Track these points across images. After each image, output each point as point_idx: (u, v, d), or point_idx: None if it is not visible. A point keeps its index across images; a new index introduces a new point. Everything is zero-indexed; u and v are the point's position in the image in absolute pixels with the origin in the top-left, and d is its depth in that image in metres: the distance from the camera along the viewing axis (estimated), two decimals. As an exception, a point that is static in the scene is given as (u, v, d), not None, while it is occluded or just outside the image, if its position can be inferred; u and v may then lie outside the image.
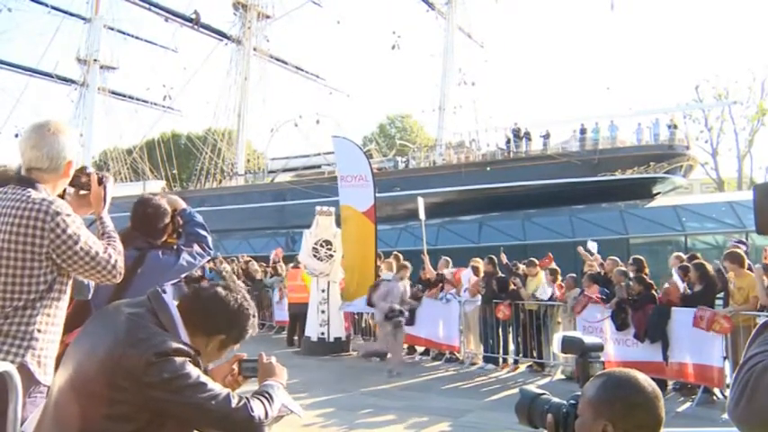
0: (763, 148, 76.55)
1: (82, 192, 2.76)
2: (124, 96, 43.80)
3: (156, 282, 2.19)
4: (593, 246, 11.91)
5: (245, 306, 2.15)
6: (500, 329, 10.82)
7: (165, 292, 2.08)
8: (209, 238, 3.43)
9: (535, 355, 10.48)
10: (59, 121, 2.62)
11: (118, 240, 2.65)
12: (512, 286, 10.63)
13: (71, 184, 2.70)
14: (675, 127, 27.10)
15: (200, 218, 3.46)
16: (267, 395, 2.08)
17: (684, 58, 77.92)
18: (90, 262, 2.43)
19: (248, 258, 17.55)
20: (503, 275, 10.99)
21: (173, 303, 2.05)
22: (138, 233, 3.22)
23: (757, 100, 41.68)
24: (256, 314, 2.22)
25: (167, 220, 3.32)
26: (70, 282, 2.53)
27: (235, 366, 2.33)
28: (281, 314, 14.80)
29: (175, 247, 3.28)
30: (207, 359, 2.15)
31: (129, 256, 2.88)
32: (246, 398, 2.00)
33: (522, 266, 11.30)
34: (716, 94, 42.79)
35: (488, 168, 27.61)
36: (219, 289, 2.14)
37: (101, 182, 2.74)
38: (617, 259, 10.24)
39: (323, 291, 12.30)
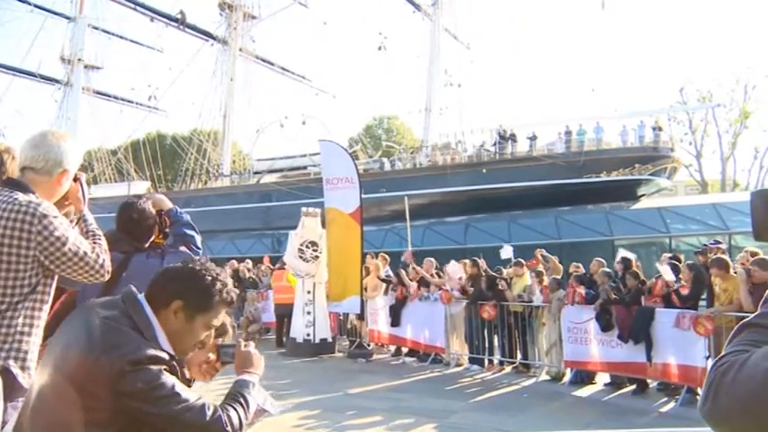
0: (746, 151, 77.11)
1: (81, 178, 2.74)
2: (109, 96, 43.48)
3: (141, 285, 2.16)
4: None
5: (217, 274, 2.07)
6: (485, 331, 10.84)
7: (138, 293, 2.02)
8: (198, 238, 3.38)
9: (520, 356, 10.51)
10: (67, 133, 2.66)
11: (102, 238, 2.62)
12: (498, 287, 10.66)
13: None
14: (660, 129, 27.29)
15: (187, 217, 3.41)
16: (243, 400, 2.04)
17: (669, 61, 78.54)
18: (79, 263, 2.42)
19: (236, 267, 17.21)
20: (493, 274, 11.02)
21: (146, 304, 2.00)
22: (123, 236, 3.19)
23: (740, 103, 42.08)
24: (223, 279, 2.09)
25: (153, 222, 3.28)
26: (53, 283, 2.51)
27: (212, 354, 2.30)
28: (269, 315, 14.76)
29: (161, 248, 3.25)
30: (190, 339, 2.07)
31: (115, 259, 2.86)
32: (222, 407, 1.96)
33: (505, 271, 11.34)
34: (700, 96, 43.15)
35: (484, 170, 27.64)
36: (189, 263, 2.09)
37: (75, 179, 2.69)
38: (602, 261, 10.28)
39: (308, 292, 12.28)
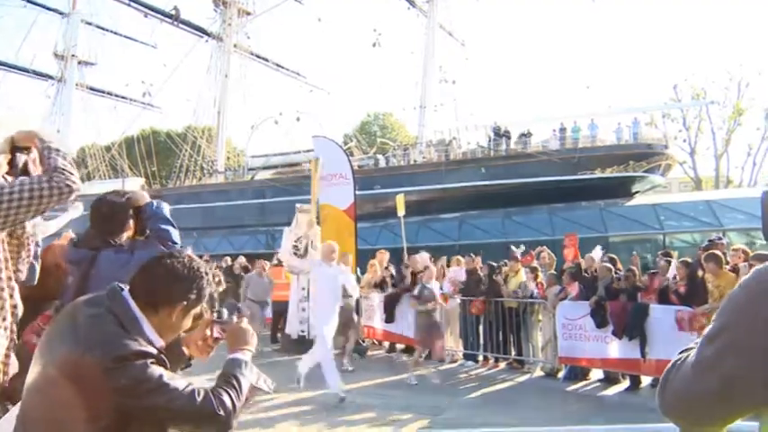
0: (740, 148, 77.51)
1: (26, 156, 2.53)
2: (103, 92, 43.38)
3: (111, 281, 2.12)
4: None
5: (195, 267, 2.09)
6: (480, 327, 10.84)
7: (122, 288, 2.01)
8: (173, 232, 3.29)
9: (515, 352, 10.52)
10: None
11: (61, 154, 2.42)
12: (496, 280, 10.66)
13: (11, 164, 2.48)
14: (648, 124, 27.49)
15: (165, 212, 3.33)
16: (235, 381, 2.04)
17: (663, 58, 78.73)
18: (28, 204, 2.24)
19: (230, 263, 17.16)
20: (492, 264, 11.01)
21: (130, 298, 1.99)
22: (95, 232, 3.17)
23: (734, 100, 42.26)
24: (208, 271, 2.14)
25: (124, 216, 3.24)
26: (8, 281, 2.39)
27: (207, 331, 2.30)
28: (267, 312, 14.70)
29: (133, 244, 3.21)
30: (176, 330, 2.10)
31: (84, 256, 2.90)
32: (213, 391, 1.96)
33: (504, 268, 11.35)
34: (694, 93, 43.30)
35: (479, 167, 27.65)
36: (164, 259, 2.08)
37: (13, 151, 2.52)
38: (593, 256, 10.31)
39: (303, 288, 12.25)
